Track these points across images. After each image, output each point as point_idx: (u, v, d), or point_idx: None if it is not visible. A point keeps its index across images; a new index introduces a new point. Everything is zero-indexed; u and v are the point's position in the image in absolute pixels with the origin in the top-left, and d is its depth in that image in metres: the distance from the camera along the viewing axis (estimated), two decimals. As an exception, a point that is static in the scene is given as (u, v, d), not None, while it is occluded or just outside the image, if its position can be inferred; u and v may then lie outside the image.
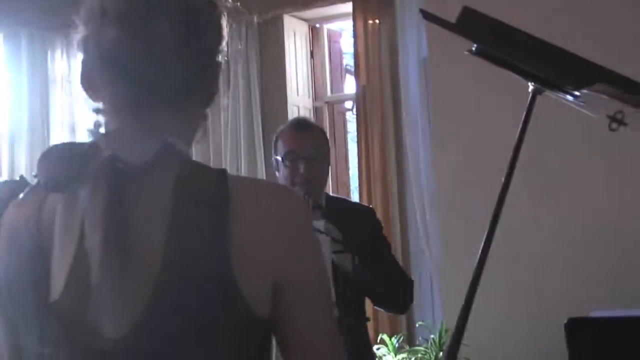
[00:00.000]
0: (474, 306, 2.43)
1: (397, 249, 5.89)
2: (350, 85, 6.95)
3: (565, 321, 2.61)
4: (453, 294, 5.16)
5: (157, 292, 1.23)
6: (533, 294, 4.87)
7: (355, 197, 6.54)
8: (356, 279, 2.94)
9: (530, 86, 2.38)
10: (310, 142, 3.18)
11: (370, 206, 3.42)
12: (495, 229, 2.41)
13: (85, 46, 1.37)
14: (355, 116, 6.35)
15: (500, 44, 2.22)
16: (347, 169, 6.97)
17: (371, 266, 3.03)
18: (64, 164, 1.28)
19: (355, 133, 6.29)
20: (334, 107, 6.92)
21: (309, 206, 3.00)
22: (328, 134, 6.69)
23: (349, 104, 6.90)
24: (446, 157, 5.29)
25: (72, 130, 6.73)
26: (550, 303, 4.58)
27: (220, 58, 1.44)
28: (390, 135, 6.09)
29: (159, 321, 1.23)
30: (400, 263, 5.71)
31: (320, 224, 2.63)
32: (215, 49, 1.42)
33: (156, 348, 1.24)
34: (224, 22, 1.44)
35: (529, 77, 2.35)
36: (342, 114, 7.00)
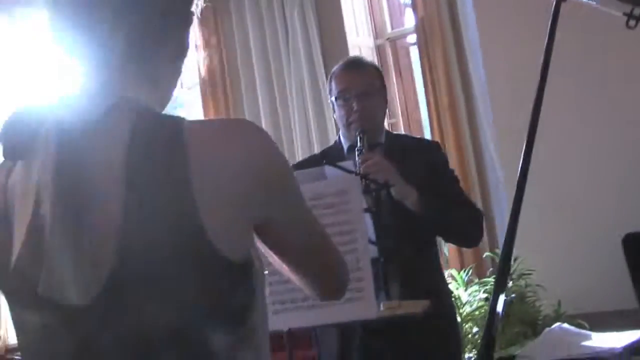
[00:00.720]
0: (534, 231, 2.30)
1: (473, 180, 5.78)
2: (410, 19, 6.78)
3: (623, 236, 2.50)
4: (520, 222, 5.12)
5: (120, 252, 1.22)
6: (591, 210, 4.82)
7: (427, 132, 6.42)
8: (421, 212, 2.93)
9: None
10: (361, 78, 3.17)
11: (436, 141, 3.32)
12: (533, 142, 2.29)
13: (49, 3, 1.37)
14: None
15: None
16: (417, 104, 6.83)
17: (435, 200, 2.97)
18: (17, 131, 1.28)
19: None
20: (397, 43, 6.77)
21: (364, 142, 2.95)
22: (393, 72, 6.68)
23: (412, 38, 6.71)
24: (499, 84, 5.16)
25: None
26: (608, 219, 4.46)
27: (185, 12, 1.43)
28: (454, 66, 5.93)
29: (125, 283, 1.23)
30: (478, 194, 5.68)
31: (349, 164, 2.57)
32: (176, 3, 1.40)
33: (125, 306, 1.23)
34: None
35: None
36: (406, 49, 6.84)
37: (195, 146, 1.27)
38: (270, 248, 1.44)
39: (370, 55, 6.64)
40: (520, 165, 2.27)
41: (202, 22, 6.87)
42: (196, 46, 6.91)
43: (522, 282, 4.56)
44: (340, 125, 3.22)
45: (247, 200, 1.29)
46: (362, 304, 2.12)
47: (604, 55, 4.77)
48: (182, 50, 1.44)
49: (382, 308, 2.29)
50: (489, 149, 5.65)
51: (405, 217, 2.91)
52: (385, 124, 6.48)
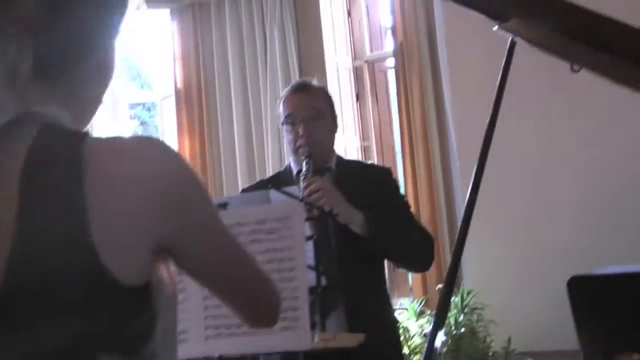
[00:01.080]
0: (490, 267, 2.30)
1: (441, 210, 5.75)
2: (391, 43, 6.77)
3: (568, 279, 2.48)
4: (476, 258, 5.22)
5: (10, 271, 1.17)
6: (545, 250, 4.86)
7: (399, 157, 6.39)
8: (368, 236, 2.88)
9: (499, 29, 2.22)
10: (309, 102, 3.12)
11: (388, 167, 3.28)
12: (482, 176, 2.28)
13: None
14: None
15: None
16: (391, 129, 6.81)
17: (383, 223, 2.92)
18: None
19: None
20: (375, 65, 6.75)
21: (309, 167, 2.91)
22: (369, 94, 6.66)
23: (391, 62, 6.69)
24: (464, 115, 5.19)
25: (113, 104, 6.74)
26: (560, 259, 4.49)
27: (108, 27, 1.37)
28: (429, 93, 5.92)
29: (14, 303, 1.18)
30: (445, 225, 5.65)
31: (294, 189, 2.51)
32: (95, 18, 1.34)
33: (14, 326, 1.19)
34: None
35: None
36: (384, 72, 6.83)
37: (94, 163, 1.21)
38: (189, 275, 1.39)
39: (347, 76, 6.64)
40: (466, 202, 2.26)
41: (181, 33, 6.84)
42: (174, 56, 6.88)
43: (474, 317, 4.53)
44: (289, 150, 3.18)
45: (145, 224, 1.23)
46: (297, 334, 2.07)
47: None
48: (104, 65, 1.37)
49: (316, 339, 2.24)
50: (457, 178, 5.64)
51: (351, 243, 2.87)
52: (358, 146, 6.58)
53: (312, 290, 2.22)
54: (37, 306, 1.18)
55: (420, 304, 4.74)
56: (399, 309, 4.95)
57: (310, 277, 2.25)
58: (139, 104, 12.75)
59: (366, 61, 6.72)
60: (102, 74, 1.38)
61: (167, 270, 1.34)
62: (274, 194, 2.46)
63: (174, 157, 1.30)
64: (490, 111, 2.31)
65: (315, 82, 3.27)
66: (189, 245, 1.32)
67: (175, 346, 1.35)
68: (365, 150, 6.64)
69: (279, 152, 6.34)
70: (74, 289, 1.18)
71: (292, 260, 2.13)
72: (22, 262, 1.17)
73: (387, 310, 3.12)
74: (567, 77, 2.27)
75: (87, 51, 1.33)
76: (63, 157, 1.21)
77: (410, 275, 6.27)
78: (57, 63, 1.30)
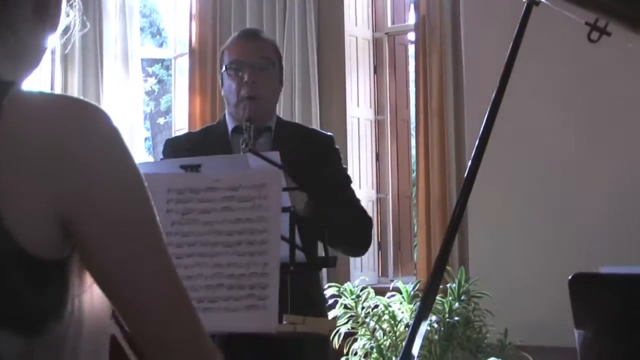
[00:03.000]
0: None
1: (452, 191, 5.58)
2: (413, 17, 6.57)
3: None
4: (479, 244, 5.10)
5: None
6: (550, 244, 4.71)
7: (412, 134, 6.22)
8: (309, 218, 2.57)
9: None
10: (258, 50, 2.88)
11: (330, 134, 3.01)
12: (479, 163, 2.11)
13: None
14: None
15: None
16: (407, 104, 6.63)
17: (325, 204, 2.68)
18: None
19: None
20: (395, 38, 6.56)
21: (250, 132, 2.68)
22: (387, 67, 6.48)
23: (412, 36, 6.49)
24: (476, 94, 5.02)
25: (125, 58, 6.62)
26: (564, 255, 4.39)
27: None
28: (449, 70, 5.73)
29: None
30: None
31: (274, 154, 2.30)
32: None
33: None
34: None
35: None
36: (404, 46, 6.63)
37: (11, 119, 1.08)
38: (93, 277, 1.15)
39: (366, 47, 6.45)
40: (463, 181, 2.09)
41: (200, -10, 6.68)
42: (190, 14, 6.73)
43: (470, 306, 4.35)
44: (227, 101, 2.91)
45: (45, 189, 1.08)
46: (262, 314, 1.90)
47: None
48: (43, 6, 1.22)
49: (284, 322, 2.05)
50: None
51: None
52: (372, 119, 6.41)
53: (284, 267, 2.04)
54: None
55: (415, 286, 4.53)
56: (392, 291, 4.77)
57: (284, 253, 2.07)
58: (157, 61, 12.65)
59: (387, 33, 6.53)
60: (40, 16, 1.22)
61: None
62: (252, 158, 2.27)
63: (101, 126, 1.13)
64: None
65: (265, 34, 3.05)
66: (88, 228, 1.11)
67: (93, 330, 1.18)
68: (379, 124, 6.47)
69: (289, 117, 6.16)
70: None
71: (264, 233, 1.96)
72: None
73: (317, 287, 2.93)
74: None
75: None
76: None
77: (415, 253, 6.12)
78: None
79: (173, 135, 6.80)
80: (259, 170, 2.17)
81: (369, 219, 2.93)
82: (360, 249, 3.01)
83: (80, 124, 1.11)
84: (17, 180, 1.07)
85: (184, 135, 3.06)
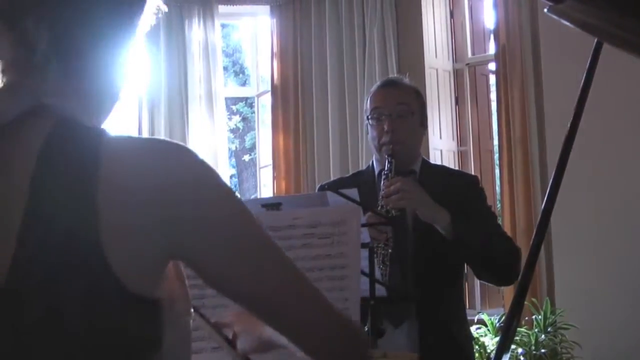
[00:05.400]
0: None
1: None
2: (493, 47, 6.56)
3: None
4: (566, 274, 5.01)
5: (14, 265, 1.12)
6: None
7: (496, 165, 6.18)
8: (453, 239, 2.69)
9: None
10: (396, 97, 2.94)
11: (475, 175, 3.07)
12: (559, 184, 2.11)
13: None
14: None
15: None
16: (491, 134, 6.59)
17: (470, 226, 2.73)
18: None
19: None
20: (476, 69, 6.55)
21: (392, 166, 2.76)
22: (469, 98, 6.47)
23: (493, 66, 6.47)
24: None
25: (209, 98, 6.74)
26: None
27: (119, 18, 1.29)
28: (531, 98, 5.70)
29: (17, 299, 1.12)
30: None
31: (352, 191, 2.35)
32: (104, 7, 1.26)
33: (13, 325, 1.12)
34: None
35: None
36: (485, 76, 6.61)
37: (110, 163, 1.14)
38: (218, 290, 1.25)
39: (447, 78, 6.46)
40: (541, 210, 2.09)
41: (280, 29, 6.79)
42: (272, 52, 6.85)
43: (557, 338, 4.27)
44: (372, 147, 3.02)
45: (153, 232, 1.15)
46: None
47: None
48: (118, 60, 1.29)
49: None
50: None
51: (431, 249, 2.71)
52: (455, 151, 6.40)
53: (364, 301, 2.06)
54: (36, 307, 1.12)
55: (500, 318, 4.48)
56: (477, 323, 4.73)
57: (364, 287, 2.09)
58: (241, 99, 12.85)
59: (467, 64, 6.54)
60: (116, 68, 1.29)
61: (182, 285, 1.24)
62: (331, 195, 2.32)
63: (190, 161, 1.20)
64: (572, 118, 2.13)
65: (407, 80, 3.10)
66: (207, 252, 1.20)
67: None
68: (462, 155, 6.46)
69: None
70: (77, 294, 1.11)
71: (343, 268, 1.98)
72: (27, 256, 1.12)
73: (462, 325, 2.94)
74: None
75: (98, 39, 1.25)
76: (80, 154, 1.15)
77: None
78: (77, 44, 1.23)
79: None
80: (337, 207, 2.21)
81: (517, 250, 2.89)
82: (508, 279, 2.98)
83: (172, 162, 1.18)
84: (123, 226, 1.13)
85: (336, 180, 3.18)
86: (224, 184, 1.23)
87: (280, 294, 1.22)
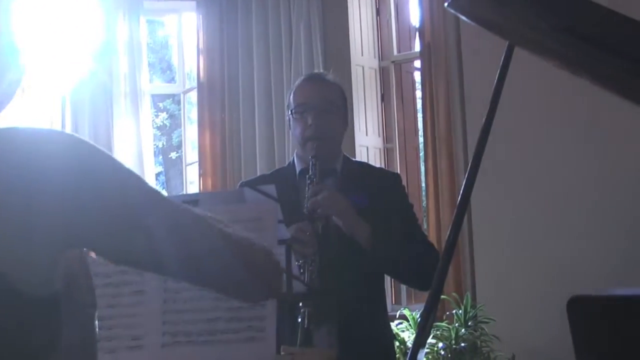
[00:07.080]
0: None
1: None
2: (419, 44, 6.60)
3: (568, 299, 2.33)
4: (484, 269, 5.09)
5: None
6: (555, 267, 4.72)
7: (421, 159, 6.24)
8: (373, 251, 2.71)
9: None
10: (321, 93, 2.92)
11: (397, 172, 3.08)
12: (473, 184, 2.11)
13: None
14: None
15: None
16: (416, 131, 6.65)
17: (388, 237, 2.75)
18: None
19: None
20: (401, 66, 6.59)
21: (316, 169, 2.76)
22: (395, 95, 6.51)
23: (418, 64, 6.52)
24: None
25: (135, 96, 6.68)
26: (568, 277, 4.39)
27: None
28: (455, 96, 5.76)
29: None
30: (465, 230, 5.48)
31: (270, 188, 2.34)
32: None
33: None
34: None
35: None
36: (410, 74, 6.66)
37: None
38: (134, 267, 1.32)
39: (373, 76, 6.49)
40: (455, 210, 2.10)
41: (207, 25, 6.74)
42: (198, 49, 6.80)
43: (477, 332, 4.33)
44: (296, 143, 3.00)
45: (41, 224, 1.11)
46: (260, 345, 1.92)
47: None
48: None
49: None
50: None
51: (353, 253, 2.71)
52: (381, 148, 6.44)
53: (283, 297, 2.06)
54: None
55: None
56: (399, 318, 4.76)
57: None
58: (168, 96, 12.74)
59: (393, 61, 6.57)
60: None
61: (86, 276, 1.21)
62: (248, 192, 2.30)
63: (80, 149, 1.18)
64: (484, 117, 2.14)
65: (331, 76, 3.09)
66: (99, 238, 1.18)
67: (84, 356, 1.21)
68: (388, 152, 6.50)
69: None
70: None
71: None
72: None
73: (383, 322, 2.96)
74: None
75: None
76: None
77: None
78: None
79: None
80: (254, 204, 2.20)
81: (437, 254, 2.92)
82: (426, 283, 2.99)
83: (56, 152, 1.15)
84: (11, 221, 1.09)
85: (257, 177, 3.15)
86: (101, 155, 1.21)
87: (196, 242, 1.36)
